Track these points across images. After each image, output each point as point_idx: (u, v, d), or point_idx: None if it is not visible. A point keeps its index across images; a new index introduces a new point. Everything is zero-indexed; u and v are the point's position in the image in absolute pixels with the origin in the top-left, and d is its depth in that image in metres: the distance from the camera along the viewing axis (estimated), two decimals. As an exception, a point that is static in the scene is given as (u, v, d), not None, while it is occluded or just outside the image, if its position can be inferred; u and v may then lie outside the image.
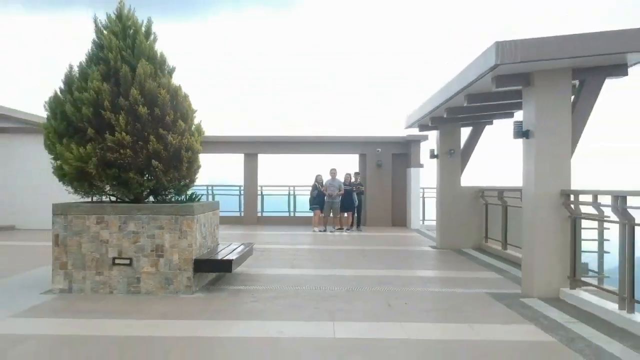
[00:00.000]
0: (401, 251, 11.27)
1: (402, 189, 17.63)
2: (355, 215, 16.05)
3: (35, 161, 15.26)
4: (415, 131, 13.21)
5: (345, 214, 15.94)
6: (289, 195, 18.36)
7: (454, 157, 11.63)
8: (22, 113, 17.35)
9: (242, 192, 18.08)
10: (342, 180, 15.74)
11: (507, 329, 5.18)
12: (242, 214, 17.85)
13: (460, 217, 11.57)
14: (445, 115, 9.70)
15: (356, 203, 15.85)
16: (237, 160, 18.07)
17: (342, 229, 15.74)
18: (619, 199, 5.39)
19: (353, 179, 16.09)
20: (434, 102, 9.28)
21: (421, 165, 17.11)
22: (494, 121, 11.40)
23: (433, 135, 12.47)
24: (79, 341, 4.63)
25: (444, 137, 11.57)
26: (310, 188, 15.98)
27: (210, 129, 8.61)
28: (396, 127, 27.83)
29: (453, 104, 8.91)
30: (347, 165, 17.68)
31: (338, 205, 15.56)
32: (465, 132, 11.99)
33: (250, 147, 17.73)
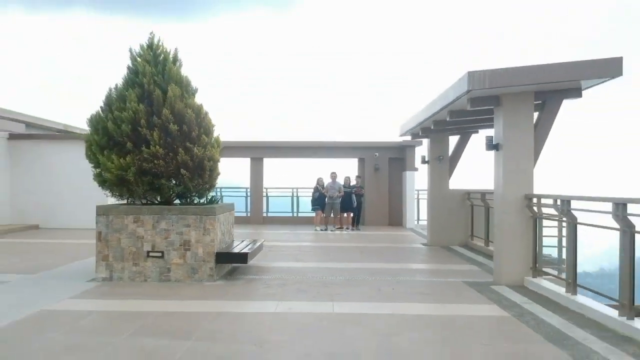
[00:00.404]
0: (395, 248, 12.48)
1: (398, 191, 18.84)
2: (354, 215, 17.26)
3: (57, 166, 16.53)
4: (409, 138, 14.42)
5: (345, 214, 17.16)
6: (292, 196, 19.59)
7: (442, 163, 12.84)
8: (45, 121, 18.64)
9: (248, 193, 19.32)
10: (342, 182, 16.96)
11: (473, 307, 6.40)
12: (249, 214, 19.07)
13: (448, 217, 12.78)
14: (432, 127, 10.93)
15: (355, 204, 17.07)
16: (243, 163, 19.30)
17: (342, 228, 16.95)
18: (564, 202, 6.61)
19: (354, 182, 17.31)
20: (422, 116, 10.51)
21: (416, 169, 18.30)
22: (480, 130, 12.61)
23: (426, 141, 13.68)
24: (129, 315, 5.85)
25: (434, 144, 12.78)
26: (312, 190, 17.20)
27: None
28: (395, 127, 28.89)
29: (438, 117, 10.13)
30: (347, 168, 18.93)
31: (338, 206, 16.78)
32: (453, 140, 13.20)
33: (257, 152, 18.97)
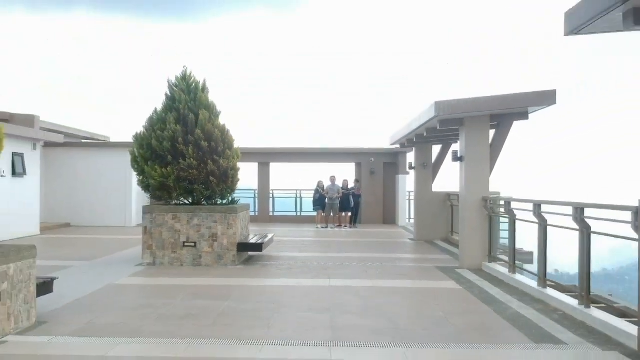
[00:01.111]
0: (385, 242, 14.50)
1: (391, 193, 20.85)
2: (352, 214, 19.27)
3: (84, 171, 18.58)
4: (398, 146, 16.43)
5: (344, 214, 19.17)
6: (296, 197, 21.63)
7: (426, 168, 14.84)
8: (73, 129, 20.71)
9: (256, 194, 21.36)
10: (341, 185, 18.98)
11: (436, 283, 8.42)
12: (257, 213, 21.10)
13: (432, 215, 14.78)
14: (414, 140, 12.95)
15: (352, 204, 19.08)
16: (251, 167, 21.30)
17: (341, 225, 18.96)
18: (507, 203, 8.62)
19: (351, 185, 19.33)
20: (405, 131, 12.53)
21: (407, 173, 20.28)
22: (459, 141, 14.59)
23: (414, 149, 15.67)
24: (178, 287, 7.86)
25: (418, 153, 14.79)
26: (313, 191, 19.22)
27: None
28: (392, 131, 30.82)
29: (419, 132, 12.15)
30: (345, 172, 20.90)
31: (337, 206, 18.80)
32: (437, 148, 15.21)
33: (264, 157, 21.01)
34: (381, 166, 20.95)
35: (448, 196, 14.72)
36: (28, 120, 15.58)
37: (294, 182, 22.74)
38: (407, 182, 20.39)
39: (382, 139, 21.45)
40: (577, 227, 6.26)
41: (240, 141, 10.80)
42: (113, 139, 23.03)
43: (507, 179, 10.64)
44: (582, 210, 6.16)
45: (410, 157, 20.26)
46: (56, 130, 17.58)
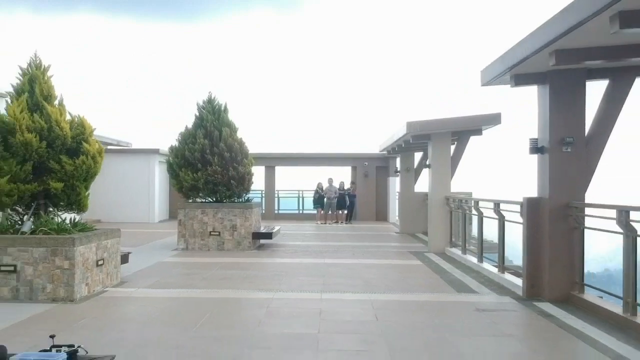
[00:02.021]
0: (374, 234, 17.13)
1: (383, 193, 23.47)
2: (348, 212, 21.90)
3: (113, 173, 21.23)
4: (386, 153, 19.05)
5: (340, 211, 21.80)
6: (298, 197, 24.29)
7: (409, 172, 17.46)
8: (105, 138, 23.36)
9: (263, 194, 24.02)
10: (337, 186, 21.61)
11: (406, 261, 11.04)
12: (264, 211, 23.73)
13: (414, 212, 17.38)
14: (396, 149, 15.59)
15: (348, 203, 21.71)
16: (258, 170, 23.93)
17: (338, 222, 21.59)
18: (457, 200, 11.24)
19: (348, 187, 21.98)
20: (389, 142, 15.17)
21: (397, 175, 22.90)
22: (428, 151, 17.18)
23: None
24: (209, 263, 10.49)
25: (403, 159, 17.42)
26: (313, 192, 21.84)
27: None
28: (382, 139, 33.36)
29: (398, 143, 14.78)
30: (342, 175, 23.53)
31: (335, 205, 21.43)
32: (418, 155, 17.82)
33: (270, 162, 23.66)
34: (374, 169, 23.58)
35: (426, 195, 17.30)
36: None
37: (297, 184, 25.37)
38: (397, 184, 22.99)
39: (376, 145, 23.99)
40: (521, 221, 8.90)
41: (249, 147, 13.41)
42: (122, 143, 25.66)
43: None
44: (498, 204, 8.79)
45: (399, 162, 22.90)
46: (90, 138, 20.26)
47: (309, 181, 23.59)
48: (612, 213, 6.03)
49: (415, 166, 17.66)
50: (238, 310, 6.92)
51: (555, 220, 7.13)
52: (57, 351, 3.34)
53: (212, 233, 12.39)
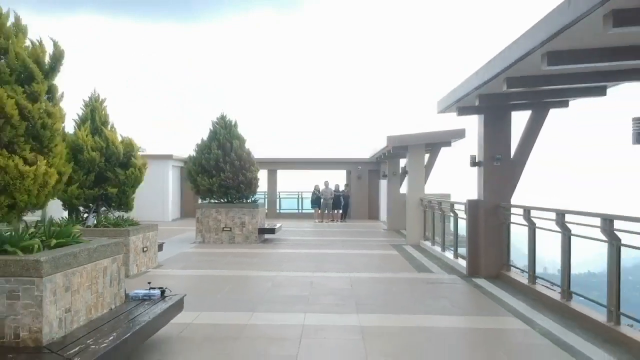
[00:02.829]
0: (364, 231, 19.51)
1: (375, 194, 25.85)
2: (342, 211, 24.28)
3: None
4: (375, 159, 21.42)
5: (335, 211, 24.18)
6: (297, 198, 26.68)
7: (396, 176, 19.85)
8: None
9: (266, 195, 26.43)
10: (333, 188, 23.99)
11: (385, 251, 13.43)
12: (266, 211, 26.13)
13: (399, 211, 19.71)
14: (382, 157, 17.99)
15: (342, 203, 24.10)
16: (261, 174, 26.28)
17: (333, 220, 23.97)
18: (424, 200, 13.64)
19: (342, 188, 24.37)
20: (377, 150, 17.54)
21: (385, 178, 25.25)
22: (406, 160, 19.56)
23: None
24: (224, 253, 12.87)
25: (390, 164, 19.81)
26: (311, 193, 24.22)
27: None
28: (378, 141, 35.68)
29: (384, 152, 17.18)
30: (337, 177, 25.90)
31: (331, 205, 23.82)
32: (404, 160, 20.18)
33: (272, 166, 26.05)
34: (366, 173, 25.97)
35: (411, 197, 19.69)
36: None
37: (296, 186, 27.75)
38: (387, 186, 25.35)
39: (371, 149, 26.30)
40: (465, 217, 11.28)
41: (253, 151, 15.77)
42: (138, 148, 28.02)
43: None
44: (452, 205, 11.18)
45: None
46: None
47: (308, 183, 25.99)
48: (541, 214, 8.36)
49: (400, 171, 20.04)
50: (251, 283, 9.31)
51: (488, 217, 9.52)
52: (150, 290, 5.70)
53: (224, 229, 14.79)
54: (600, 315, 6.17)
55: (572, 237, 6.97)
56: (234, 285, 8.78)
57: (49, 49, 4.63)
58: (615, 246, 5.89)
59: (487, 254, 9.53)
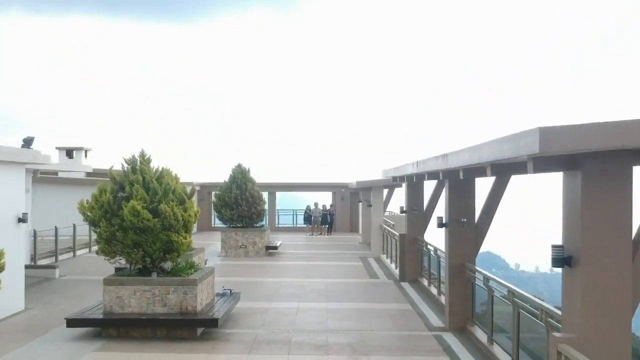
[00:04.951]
0: (342, 244, 25.60)
1: (355, 212, 31.91)
2: (328, 226, 30.39)
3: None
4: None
5: (323, 226, 30.28)
6: (293, 214, 32.78)
7: (369, 205, 25.93)
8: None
9: (267, 212, 32.45)
10: (321, 207, 30.09)
11: (353, 263, 19.54)
12: (268, 225, 32.16)
13: (370, 229, 25.82)
14: (355, 190, 24.12)
15: (329, 220, 30.22)
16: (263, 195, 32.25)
17: (322, 234, 30.04)
18: (381, 226, 19.79)
19: (329, 208, 30.49)
20: (352, 187, 23.66)
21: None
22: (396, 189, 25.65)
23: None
24: (242, 264, 18.91)
25: (363, 194, 25.88)
26: (304, 211, 30.30)
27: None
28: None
29: (358, 188, 23.28)
30: (324, 198, 32.00)
31: (319, 221, 29.91)
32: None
33: (272, 188, 32.10)
34: (349, 195, 32.07)
35: (380, 218, 25.79)
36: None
37: (292, 205, 33.86)
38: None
39: (347, 180, 32.13)
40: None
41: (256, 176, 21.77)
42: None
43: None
44: (395, 234, 17.34)
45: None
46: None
47: (301, 203, 32.07)
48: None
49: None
50: (266, 285, 15.31)
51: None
52: (224, 290, 11.70)
53: (241, 246, 20.84)
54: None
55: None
56: (256, 287, 14.83)
57: (188, 188, 10.67)
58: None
59: (410, 268, 15.57)
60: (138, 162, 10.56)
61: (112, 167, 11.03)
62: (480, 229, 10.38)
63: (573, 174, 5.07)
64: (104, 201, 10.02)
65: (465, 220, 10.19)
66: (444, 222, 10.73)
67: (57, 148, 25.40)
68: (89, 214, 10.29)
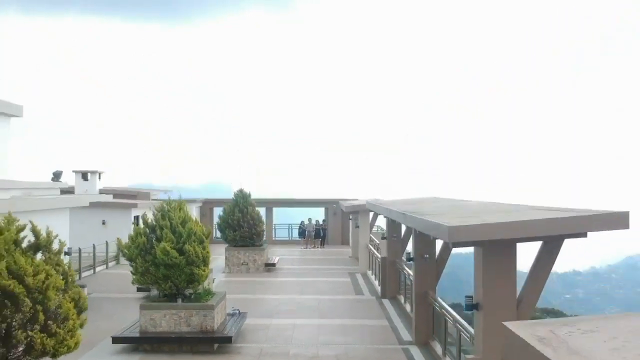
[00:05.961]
0: (334, 258, 28.19)
1: (346, 226, 34.52)
2: (321, 240, 32.98)
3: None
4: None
5: (316, 239, 32.87)
6: (288, 228, 35.35)
7: (356, 225, 28.53)
8: (155, 191, 34.17)
9: (264, 227, 35.02)
10: (314, 222, 32.70)
11: (342, 279, 22.14)
12: (266, 239, 34.73)
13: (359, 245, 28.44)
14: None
15: (322, 234, 32.82)
16: (261, 210, 34.78)
17: (315, 247, 32.63)
18: (367, 246, 22.41)
19: (321, 223, 33.09)
20: (341, 209, 26.29)
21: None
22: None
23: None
24: (244, 281, 21.45)
25: (352, 215, 28.47)
26: (299, 225, 32.88)
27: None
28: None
29: (347, 211, 25.89)
30: (318, 214, 34.58)
31: (313, 235, 32.51)
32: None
33: (269, 204, 34.65)
34: (340, 210, 34.66)
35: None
36: (146, 194, 29.13)
37: (287, 219, 36.43)
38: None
39: (339, 196, 34.77)
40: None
41: (254, 193, 24.31)
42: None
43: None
44: (378, 256, 19.97)
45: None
46: (154, 197, 31.19)
47: (296, 218, 34.65)
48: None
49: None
50: (267, 302, 17.85)
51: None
52: (233, 310, 14.25)
53: (243, 264, 23.39)
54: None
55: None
56: (258, 304, 17.38)
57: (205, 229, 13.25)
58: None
59: (389, 286, 18.15)
60: (166, 209, 13.08)
61: (144, 213, 13.56)
62: (439, 264, 12.85)
63: (478, 249, 7.65)
64: (140, 242, 12.57)
65: (427, 256, 12.60)
66: (411, 257, 13.27)
67: (73, 171, 27.83)
68: (126, 251, 12.86)
